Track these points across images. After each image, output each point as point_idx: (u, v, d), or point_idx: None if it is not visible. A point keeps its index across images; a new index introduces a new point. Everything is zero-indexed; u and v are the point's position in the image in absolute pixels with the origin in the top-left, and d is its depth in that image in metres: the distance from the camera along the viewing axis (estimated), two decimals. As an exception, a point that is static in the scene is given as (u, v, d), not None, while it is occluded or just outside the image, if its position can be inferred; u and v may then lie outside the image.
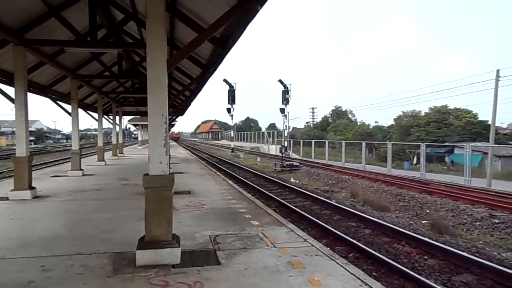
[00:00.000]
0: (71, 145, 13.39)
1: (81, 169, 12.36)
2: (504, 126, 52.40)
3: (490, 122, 24.49)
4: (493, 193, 12.01)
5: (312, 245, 4.70)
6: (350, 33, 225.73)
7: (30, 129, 9.96)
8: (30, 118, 8.46)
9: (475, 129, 40.27)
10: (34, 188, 8.13)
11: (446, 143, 34.11)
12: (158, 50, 4.04)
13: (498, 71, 22.12)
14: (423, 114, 51.19)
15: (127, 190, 9.27)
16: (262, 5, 4.69)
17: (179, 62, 5.71)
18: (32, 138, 59.90)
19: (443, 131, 42.76)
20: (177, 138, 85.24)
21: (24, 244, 4.66)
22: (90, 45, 8.49)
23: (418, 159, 23.47)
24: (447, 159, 33.05)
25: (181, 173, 13.14)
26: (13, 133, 52.76)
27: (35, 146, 52.74)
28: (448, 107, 47.50)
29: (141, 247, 3.92)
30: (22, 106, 7.91)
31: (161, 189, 4.02)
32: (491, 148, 21.42)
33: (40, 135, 78.63)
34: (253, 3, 4.68)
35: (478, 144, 28.37)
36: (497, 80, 21.98)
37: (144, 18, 4.53)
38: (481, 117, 43.03)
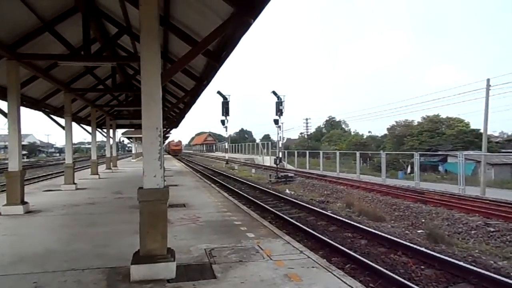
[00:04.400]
0: (64, 159, 13.28)
1: (74, 183, 12.24)
2: (496, 134, 53.14)
3: (482, 131, 24.75)
4: (488, 201, 12.07)
5: (309, 257, 4.67)
6: (342, 44, 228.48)
7: (23, 143, 9.88)
8: (23, 132, 8.41)
9: (468, 138, 40.70)
10: (26, 202, 8.03)
11: (439, 152, 34.40)
12: (152, 63, 4.05)
13: (488, 80, 22.48)
14: (416, 123, 51.68)
15: (121, 203, 9.18)
16: (255, 18, 4.74)
17: (173, 75, 5.73)
18: (25, 152, 59.40)
19: (436, 140, 43.15)
20: (177, 150, 64.36)
21: (16, 260, 4.58)
22: (83, 59, 8.48)
23: (412, 168, 23.56)
24: (440, 168, 33.28)
25: (176, 185, 13.07)
26: (5, 147, 52.27)
27: (27, 160, 52.28)
28: (440, 116, 48.07)
29: (135, 262, 3.87)
30: (15, 121, 7.86)
31: (156, 203, 3.99)
32: (484, 156, 21.62)
33: (33, 149, 78.01)
34: (246, 16, 4.74)
35: (471, 152, 28.64)
36: (487, 89, 22.30)
37: (138, 32, 4.56)
38: (473, 126, 43.62)
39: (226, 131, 42.51)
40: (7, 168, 7.96)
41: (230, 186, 17.62)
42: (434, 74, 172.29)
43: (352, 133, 72.25)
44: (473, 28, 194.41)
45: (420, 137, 45.20)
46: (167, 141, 59.79)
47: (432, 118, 47.96)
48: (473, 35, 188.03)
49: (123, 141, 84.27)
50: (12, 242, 5.67)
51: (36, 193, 11.11)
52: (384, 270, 5.79)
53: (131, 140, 46.92)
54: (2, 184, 15.91)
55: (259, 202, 12.60)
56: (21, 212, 7.71)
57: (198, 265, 4.36)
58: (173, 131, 37.15)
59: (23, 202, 7.94)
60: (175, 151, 62.43)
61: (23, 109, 8.63)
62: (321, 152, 30.11)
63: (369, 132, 71.10)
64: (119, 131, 35.41)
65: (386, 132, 60.14)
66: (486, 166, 21.13)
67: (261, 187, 17.58)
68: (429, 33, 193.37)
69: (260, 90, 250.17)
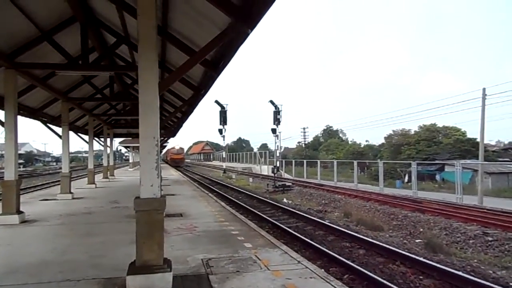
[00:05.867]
0: (61, 168, 13.21)
1: (71, 192, 12.16)
2: (493, 143, 53.38)
3: (478, 140, 24.87)
4: (485, 210, 12.07)
5: (306, 267, 4.64)
6: (340, 53, 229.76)
7: (20, 152, 9.84)
8: (19, 140, 8.39)
9: (464, 147, 40.81)
10: (22, 212, 7.97)
11: (437, 161, 34.48)
12: (149, 73, 4.07)
13: (484, 89, 22.66)
14: (413, 132, 51.85)
15: (118, 213, 9.12)
16: (252, 28, 4.78)
17: (171, 84, 5.75)
18: (21, 161, 59.02)
19: (433, 149, 43.26)
20: (178, 160, 53.11)
21: (11, 270, 4.52)
22: (81, 69, 8.52)
23: (410, 177, 23.60)
24: (438, 177, 33.31)
25: (173, 195, 13.01)
26: (2, 156, 51.98)
27: (24, 169, 51.95)
28: (437, 125, 48.28)
29: (131, 272, 3.82)
30: (11, 130, 7.85)
31: (153, 213, 3.96)
32: (481, 165, 21.67)
33: (30, 158, 77.56)
34: (243, 26, 4.78)
35: (468, 161, 28.71)
36: (483, 99, 22.47)
37: (136, 42, 4.59)
38: (469, 135, 43.77)
39: (224, 140, 42.45)
40: (3, 177, 7.92)
41: (227, 196, 17.55)
42: (431, 82, 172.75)
43: (350, 142, 72.40)
44: (472, 30, 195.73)
45: (417, 146, 45.32)
46: (165, 149, 58.38)
47: (429, 127, 48.16)
48: (472, 37, 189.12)
49: (120, 150, 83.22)
50: (7, 252, 5.60)
51: (32, 203, 11.01)
52: (383, 280, 5.74)
53: (129, 149, 46.78)
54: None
55: (257, 212, 12.53)
56: (16, 221, 7.63)
57: (195, 275, 4.32)
58: (170, 140, 37.17)
59: (19, 212, 7.87)
60: (176, 161, 51.35)
61: (20, 118, 8.63)
62: (318, 161, 30.13)
63: (367, 141, 71.23)
64: (117, 140, 35.32)
65: (383, 141, 60.28)
66: (483, 175, 21.17)
67: (258, 197, 17.51)
68: (427, 36, 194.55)
69: (258, 99, 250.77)
